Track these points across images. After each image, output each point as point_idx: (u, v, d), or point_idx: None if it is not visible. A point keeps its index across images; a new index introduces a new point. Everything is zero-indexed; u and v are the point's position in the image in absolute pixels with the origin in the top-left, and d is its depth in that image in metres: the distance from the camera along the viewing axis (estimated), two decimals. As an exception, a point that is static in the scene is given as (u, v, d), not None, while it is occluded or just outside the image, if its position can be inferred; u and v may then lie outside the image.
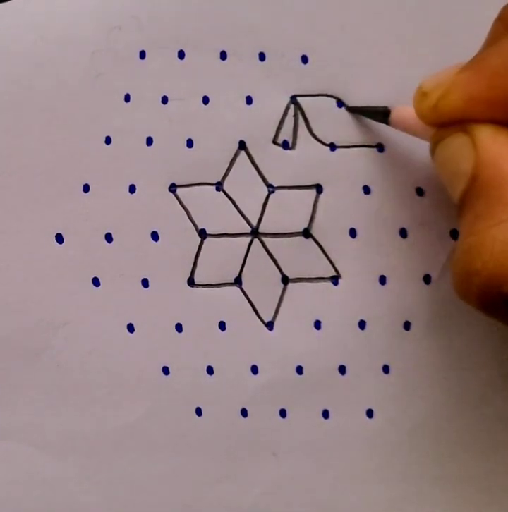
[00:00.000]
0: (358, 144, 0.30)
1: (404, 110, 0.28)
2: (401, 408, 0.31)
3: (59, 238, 0.31)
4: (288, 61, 0.30)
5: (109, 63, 0.30)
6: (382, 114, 0.29)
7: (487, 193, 0.23)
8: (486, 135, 0.24)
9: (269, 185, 0.31)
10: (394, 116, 0.29)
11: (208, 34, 0.30)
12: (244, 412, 0.32)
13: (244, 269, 0.31)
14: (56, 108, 0.31)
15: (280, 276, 0.31)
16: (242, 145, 0.30)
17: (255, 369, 0.31)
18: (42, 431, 0.32)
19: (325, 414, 0.31)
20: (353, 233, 0.31)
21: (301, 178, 0.31)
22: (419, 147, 0.29)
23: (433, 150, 0.27)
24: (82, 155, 0.31)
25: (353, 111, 0.30)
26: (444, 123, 0.26)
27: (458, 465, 0.31)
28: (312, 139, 0.30)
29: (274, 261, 0.31)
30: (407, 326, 0.31)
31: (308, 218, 0.31)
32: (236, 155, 0.30)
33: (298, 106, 0.30)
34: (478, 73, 0.24)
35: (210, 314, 0.31)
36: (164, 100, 0.30)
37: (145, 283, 0.31)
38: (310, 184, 0.31)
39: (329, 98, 0.30)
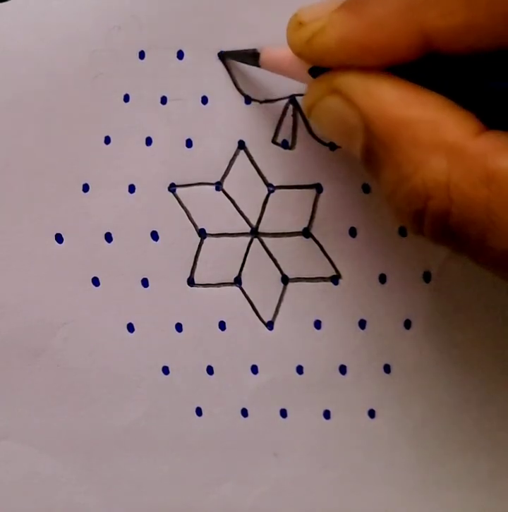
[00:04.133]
0: (357, 143, 0.30)
1: (274, 51, 0.27)
2: (402, 408, 0.31)
3: (59, 238, 0.31)
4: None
5: (108, 62, 0.30)
6: (252, 56, 0.29)
7: (392, 141, 0.23)
8: (359, 89, 0.24)
9: (268, 185, 0.31)
10: (264, 56, 0.28)
11: (207, 34, 0.30)
12: (244, 412, 0.32)
13: (244, 268, 0.31)
14: (55, 108, 0.31)
15: (280, 275, 0.31)
16: (241, 145, 0.30)
17: (255, 369, 0.31)
18: (42, 431, 0.32)
19: (326, 414, 0.31)
20: (353, 232, 0.30)
21: (301, 178, 0.31)
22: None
23: (309, 114, 0.26)
24: (81, 155, 0.31)
25: (226, 56, 0.30)
26: (314, 62, 0.25)
27: (460, 465, 0.31)
28: (312, 138, 0.30)
29: (274, 261, 0.31)
30: (407, 324, 0.31)
31: (308, 218, 0.31)
32: (235, 155, 0.30)
33: (297, 106, 0.30)
34: (356, 17, 0.23)
35: (210, 314, 0.31)
36: (163, 100, 0.30)
37: (145, 283, 0.31)
38: (309, 184, 0.31)
39: (329, 97, 0.30)
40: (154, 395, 0.32)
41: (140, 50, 0.30)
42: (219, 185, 0.31)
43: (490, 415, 0.31)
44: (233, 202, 0.31)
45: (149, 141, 0.31)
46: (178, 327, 0.31)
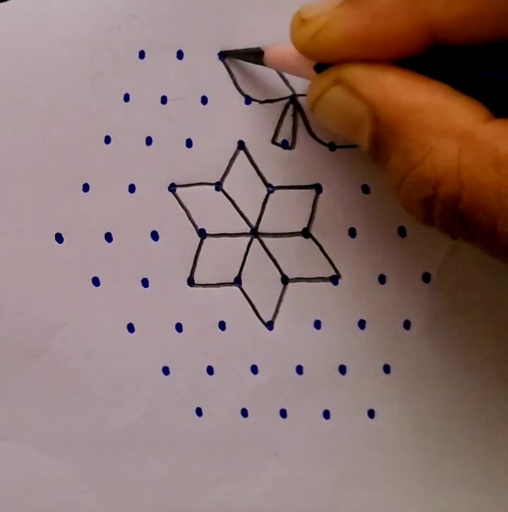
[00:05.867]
0: (357, 143, 0.30)
1: (279, 48, 0.27)
2: (402, 408, 0.31)
3: (59, 238, 0.31)
4: (287, 60, 0.30)
5: (108, 62, 0.30)
6: (255, 55, 0.29)
7: (401, 129, 0.23)
8: (364, 79, 0.24)
9: (268, 185, 0.31)
10: (268, 54, 0.28)
11: (207, 34, 0.30)
12: (244, 412, 0.32)
13: (244, 268, 0.31)
14: (56, 108, 0.31)
15: (280, 276, 0.31)
16: (241, 145, 0.30)
17: (255, 369, 0.31)
18: (42, 431, 0.32)
19: (326, 414, 0.31)
20: (352, 232, 0.30)
21: (301, 178, 0.31)
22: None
23: (314, 108, 0.26)
24: (82, 155, 0.31)
25: (229, 55, 0.30)
26: (319, 58, 0.25)
27: (459, 465, 0.31)
28: (312, 139, 0.30)
29: (274, 261, 0.31)
30: (407, 325, 0.31)
31: (308, 218, 0.31)
32: (235, 155, 0.30)
33: (297, 106, 0.30)
34: (359, 11, 0.24)
35: (210, 314, 0.31)
36: (164, 100, 0.30)
37: (145, 283, 0.31)
38: (309, 184, 0.31)
39: (329, 97, 0.30)
40: (154, 395, 0.32)
41: (140, 50, 0.30)
42: (219, 185, 0.31)
43: (490, 415, 0.31)
44: (233, 202, 0.31)
45: (149, 141, 0.31)
46: (178, 327, 0.31)
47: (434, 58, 0.24)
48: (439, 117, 0.23)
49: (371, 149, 0.25)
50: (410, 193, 0.24)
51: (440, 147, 0.22)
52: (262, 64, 0.29)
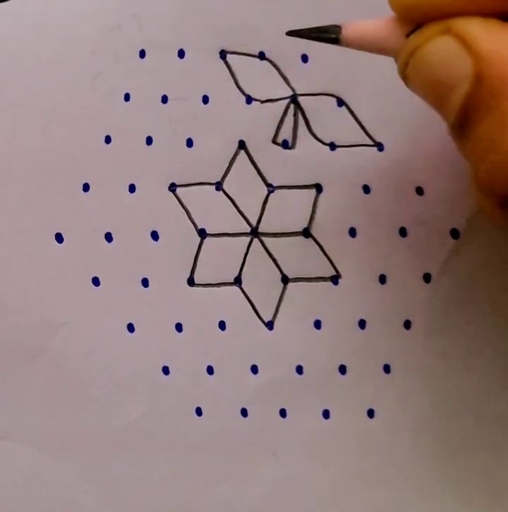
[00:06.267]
0: (357, 143, 0.30)
1: (359, 24, 0.25)
2: (402, 408, 0.31)
3: (59, 238, 0.31)
4: (288, 60, 0.30)
5: (108, 62, 0.30)
6: (331, 33, 0.25)
7: (502, 92, 0.21)
8: (479, 31, 0.22)
9: (268, 185, 0.31)
10: (346, 32, 0.25)
11: (208, 33, 0.30)
12: (244, 412, 0.32)
13: (244, 268, 0.31)
14: (56, 108, 0.31)
15: (280, 275, 0.31)
16: (242, 145, 0.30)
17: (255, 369, 0.31)
18: (42, 431, 0.32)
19: (325, 414, 0.31)
20: (352, 232, 0.31)
21: (301, 178, 0.31)
22: (419, 146, 0.29)
23: (407, 62, 0.23)
24: (82, 155, 0.31)
25: (298, 35, 0.26)
26: (420, 18, 0.23)
27: (459, 465, 0.31)
28: (312, 138, 0.30)
29: (274, 261, 0.31)
30: (407, 325, 0.31)
31: (308, 217, 0.31)
32: (235, 155, 0.30)
33: (297, 106, 0.30)
34: None
35: (210, 314, 0.31)
36: (164, 99, 0.30)
37: (145, 282, 0.31)
38: (309, 184, 0.31)
39: (329, 97, 0.30)
40: (154, 395, 0.32)
41: (140, 49, 0.30)
42: (219, 185, 0.31)
43: (490, 415, 0.31)
44: (233, 202, 0.31)
45: (149, 140, 0.31)
46: (178, 327, 0.31)
47: None
48: None
49: (459, 114, 0.22)
50: (497, 168, 0.22)
51: None
52: (338, 43, 0.25)
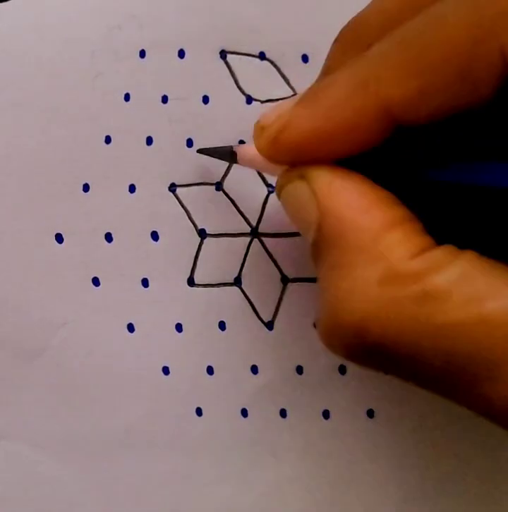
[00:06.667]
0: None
1: (249, 148, 0.27)
2: (401, 408, 0.31)
3: (59, 238, 0.31)
4: (288, 60, 0.30)
5: (108, 62, 0.30)
6: (229, 154, 0.28)
7: (335, 243, 0.22)
8: (323, 181, 0.23)
9: (268, 185, 0.31)
10: (239, 154, 0.28)
11: (208, 33, 0.30)
12: (244, 412, 0.32)
13: (244, 268, 0.31)
14: (56, 108, 0.31)
15: (280, 276, 0.31)
16: (242, 145, 0.31)
17: (255, 369, 0.31)
18: (42, 431, 0.32)
19: (325, 414, 0.31)
20: (353, 232, 0.30)
21: (301, 178, 0.31)
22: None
23: (279, 195, 0.25)
24: (82, 155, 0.31)
25: (202, 152, 0.30)
26: (284, 161, 0.24)
27: (458, 465, 0.31)
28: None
29: (274, 261, 0.31)
30: (407, 325, 0.31)
31: (308, 217, 0.31)
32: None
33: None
34: (313, 107, 0.23)
35: (210, 314, 0.31)
36: (164, 99, 0.30)
37: (145, 283, 0.31)
38: (310, 184, 0.31)
39: (329, 97, 0.30)
40: (154, 395, 0.32)
41: (140, 49, 0.30)
42: (219, 185, 0.31)
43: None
44: (233, 202, 0.31)
45: (149, 141, 0.31)
46: (178, 327, 0.31)
47: (392, 149, 0.23)
48: (372, 244, 0.22)
49: (311, 255, 0.24)
50: (321, 314, 0.23)
51: (362, 274, 0.22)
52: (236, 163, 0.28)
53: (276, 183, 0.26)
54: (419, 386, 0.22)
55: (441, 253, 0.21)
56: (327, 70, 0.25)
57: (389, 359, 0.21)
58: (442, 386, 0.21)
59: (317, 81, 0.25)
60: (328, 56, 0.25)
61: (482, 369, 0.20)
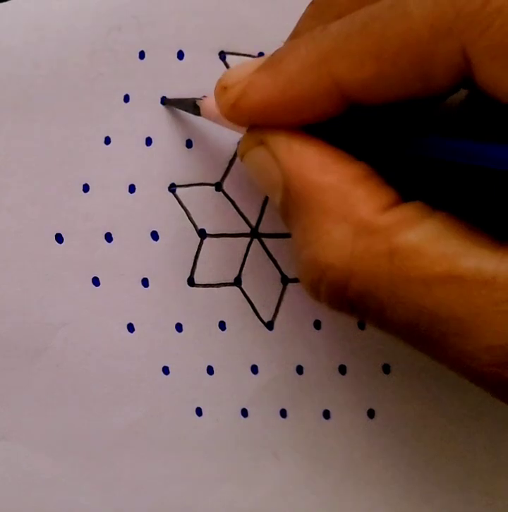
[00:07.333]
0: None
1: (212, 103, 0.27)
2: (402, 408, 0.31)
3: (59, 238, 0.31)
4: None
5: (108, 63, 0.30)
6: (192, 106, 0.29)
7: (304, 204, 0.23)
8: (282, 146, 0.24)
9: (268, 185, 0.31)
10: (202, 108, 0.28)
11: (207, 34, 0.30)
12: (244, 412, 0.32)
13: (244, 269, 0.31)
14: (56, 108, 0.31)
15: (280, 276, 0.31)
16: (241, 145, 0.30)
17: (255, 369, 0.31)
18: (42, 431, 0.32)
19: (326, 414, 0.31)
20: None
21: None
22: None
23: (242, 159, 0.26)
24: (82, 155, 0.31)
25: (168, 103, 0.30)
26: (245, 123, 0.25)
27: (459, 465, 0.31)
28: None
29: (274, 261, 0.31)
30: (407, 325, 0.31)
31: (308, 218, 0.31)
32: (235, 155, 0.30)
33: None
34: (272, 77, 0.23)
35: (210, 314, 0.31)
36: (164, 100, 0.30)
37: (145, 283, 0.31)
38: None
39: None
40: (154, 395, 0.32)
41: (140, 50, 0.30)
42: (219, 185, 0.31)
43: (490, 415, 0.31)
44: (233, 202, 0.31)
45: (149, 141, 0.31)
46: (178, 327, 0.31)
47: (353, 123, 0.24)
48: (340, 202, 0.22)
49: (281, 215, 0.25)
50: (301, 271, 0.24)
51: (334, 232, 0.22)
52: (199, 115, 0.29)
53: (238, 148, 0.26)
54: (401, 339, 0.23)
55: (412, 209, 0.22)
56: (296, 34, 0.26)
57: (370, 310, 0.22)
58: (416, 341, 0.22)
59: (285, 43, 0.25)
60: (301, 18, 0.26)
61: (451, 325, 0.21)
